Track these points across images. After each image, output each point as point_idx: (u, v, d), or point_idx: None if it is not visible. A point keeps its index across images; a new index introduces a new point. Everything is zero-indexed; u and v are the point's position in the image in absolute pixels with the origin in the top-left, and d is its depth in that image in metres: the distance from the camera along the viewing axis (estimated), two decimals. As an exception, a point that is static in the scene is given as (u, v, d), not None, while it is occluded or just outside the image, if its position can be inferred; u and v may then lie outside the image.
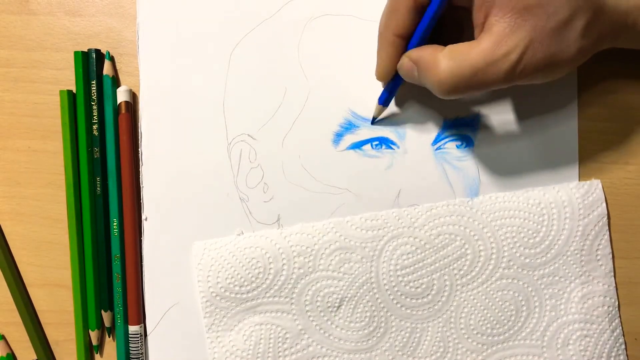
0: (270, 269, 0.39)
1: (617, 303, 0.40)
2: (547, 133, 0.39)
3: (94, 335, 0.40)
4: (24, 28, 0.40)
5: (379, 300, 0.39)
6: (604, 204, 0.39)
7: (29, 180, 0.40)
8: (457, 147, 0.39)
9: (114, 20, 0.40)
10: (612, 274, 0.39)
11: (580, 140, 0.39)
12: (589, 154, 0.40)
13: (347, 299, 0.39)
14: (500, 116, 0.39)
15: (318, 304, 0.39)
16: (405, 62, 0.34)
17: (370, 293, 0.39)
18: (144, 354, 0.40)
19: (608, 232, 0.39)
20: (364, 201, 0.39)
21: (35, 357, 0.40)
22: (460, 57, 0.31)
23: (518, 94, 0.39)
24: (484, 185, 0.39)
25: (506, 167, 0.39)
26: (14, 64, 0.40)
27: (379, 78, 0.37)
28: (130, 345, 0.39)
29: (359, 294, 0.39)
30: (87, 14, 0.40)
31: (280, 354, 0.39)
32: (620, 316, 0.40)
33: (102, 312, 0.40)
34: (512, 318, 0.39)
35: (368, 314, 0.39)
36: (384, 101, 0.38)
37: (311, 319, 0.39)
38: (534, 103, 0.39)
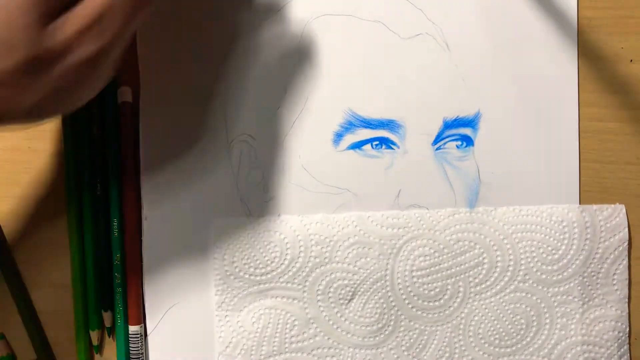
0: (286, 254, 0.39)
1: (628, 329, 0.39)
2: (547, 133, 0.39)
3: (94, 335, 0.40)
4: (24, 28, 0.40)
5: (391, 299, 0.39)
6: (627, 229, 0.39)
7: (29, 180, 0.40)
8: (457, 147, 0.39)
9: (114, 20, 0.40)
10: (627, 300, 0.39)
11: (580, 140, 0.39)
12: (589, 154, 0.40)
13: (359, 293, 0.39)
14: (501, 116, 0.39)
15: (330, 294, 0.39)
16: None
17: (383, 290, 0.39)
18: (144, 354, 0.40)
19: (627, 258, 0.39)
20: (364, 201, 0.39)
21: (35, 357, 0.40)
22: None
23: (519, 93, 0.39)
24: (484, 185, 0.39)
25: (506, 167, 0.39)
26: (14, 64, 0.40)
27: None
28: (130, 345, 0.39)
29: (371, 290, 0.39)
30: (87, 14, 0.40)
31: (286, 340, 0.39)
32: (630, 343, 0.39)
33: (102, 312, 0.40)
34: (522, 332, 0.39)
35: (379, 310, 0.39)
36: None
37: (321, 309, 0.39)
38: (534, 103, 0.39)
